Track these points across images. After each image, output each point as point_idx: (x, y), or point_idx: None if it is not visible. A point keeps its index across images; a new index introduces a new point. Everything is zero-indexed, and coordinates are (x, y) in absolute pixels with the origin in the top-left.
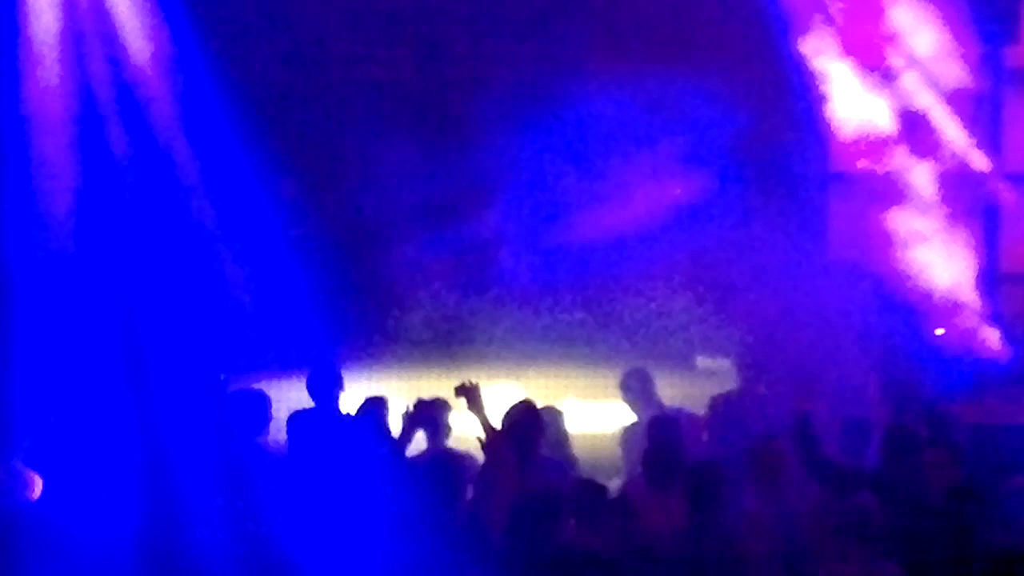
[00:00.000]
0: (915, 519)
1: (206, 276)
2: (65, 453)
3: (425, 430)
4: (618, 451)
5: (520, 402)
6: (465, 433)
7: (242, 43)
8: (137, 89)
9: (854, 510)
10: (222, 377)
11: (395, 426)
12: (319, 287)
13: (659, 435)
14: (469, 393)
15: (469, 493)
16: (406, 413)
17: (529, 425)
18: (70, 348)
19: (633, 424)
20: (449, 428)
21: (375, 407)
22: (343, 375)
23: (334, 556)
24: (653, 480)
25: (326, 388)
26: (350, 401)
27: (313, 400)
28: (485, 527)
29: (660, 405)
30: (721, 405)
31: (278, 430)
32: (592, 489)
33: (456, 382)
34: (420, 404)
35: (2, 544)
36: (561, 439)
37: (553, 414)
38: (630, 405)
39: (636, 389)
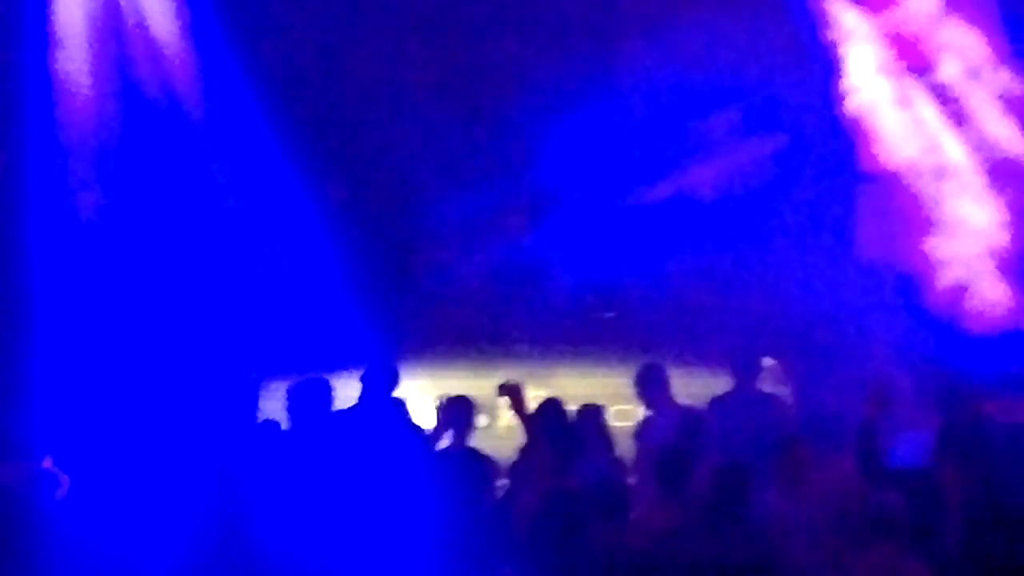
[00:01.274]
0: (948, 518)
1: (237, 273)
2: (93, 452)
3: (452, 428)
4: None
5: (547, 400)
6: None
7: (271, 37)
8: (166, 80)
9: (880, 508)
10: (252, 375)
11: (422, 422)
12: (350, 286)
13: (680, 433)
14: (512, 392)
15: (498, 490)
16: (438, 409)
17: (557, 422)
18: (99, 346)
19: (646, 420)
20: (474, 427)
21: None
22: (399, 374)
23: (364, 550)
24: (662, 481)
25: (380, 384)
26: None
27: (365, 394)
28: (513, 524)
29: (674, 402)
30: (727, 403)
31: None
32: (617, 489)
33: (484, 381)
34: (450, 401)
35: (30, 543)
36: (603, 435)
37: (595, 411)
38: (643, 401)
39: (649, 385)
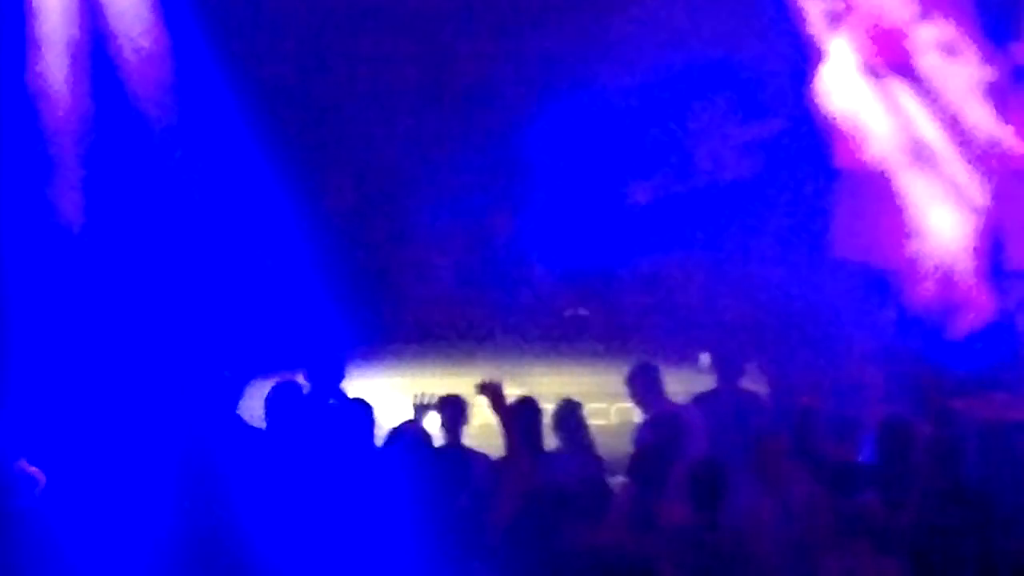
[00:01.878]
0: (914, 516)
1: (214, 273)
2: (70, 452)
3: (442, 425)
4: (623, 448)
5: (522, 398)
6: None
7: (249, 38)
8: (144, 86)
9: (857, 507)
10: (227, 374)
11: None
12: (326, 284)
13: (652, 436)
14: (492, 391)
15: (477, 489)
16: (420, 406)
17: (531, 421)
18: (75, 346)
19: (643, 421)
20: (465, 426)
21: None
22: (346, 369)
23: (337, 547)
24: (639, 480)
25: (326, 379)
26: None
27: (312, 388)
28: (488, 523)
29: (667, 401)
30: (710, 402)
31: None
32: (596, 487)
33: (460, 379)
34: (441, 399)
35: (8, 545)
36: (582, 431)
37: (572, 406)
38: (635, 401)
39: (642, 385)
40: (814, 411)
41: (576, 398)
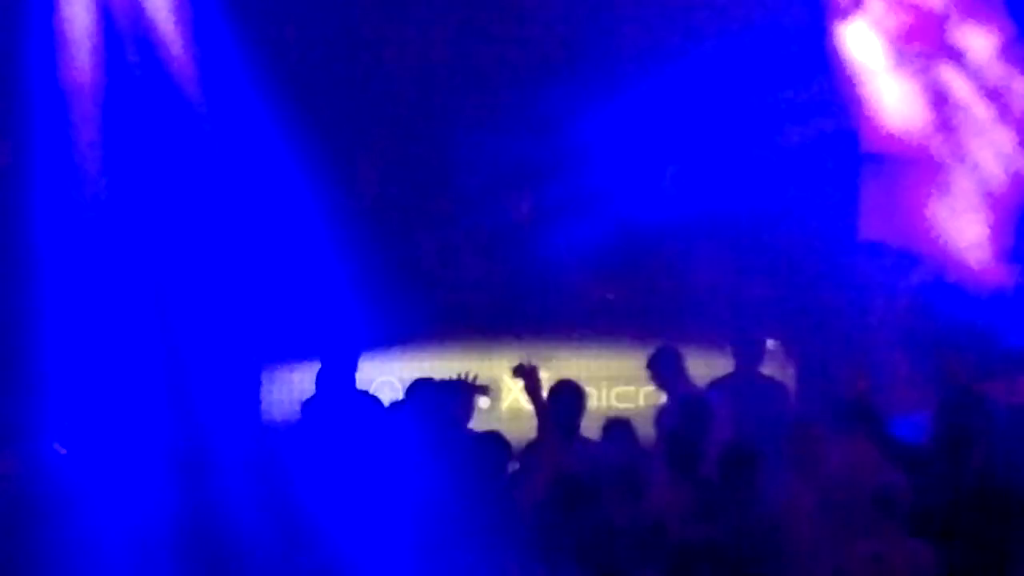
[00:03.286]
0: (940, 499)
1: (242, 260)
2: (98, 437)
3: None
4: (649, 432)
5: (562, 381)
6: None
7: (276, 22)
8: (170, 71)
9: (885, 489)
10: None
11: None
12: (353, 269)
13: (684, 418)
14: (527, 374)
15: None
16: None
17: (572, 405)
18: (104, 333)
19: (664, 404)
20: (474, 411)
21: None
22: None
23: (367, 533)
24: (672, 463)
25: (340, 374)
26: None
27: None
28: (519, 507)
29: (691, 384)
30: (728, 386)
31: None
32: (629, 471)
33: (486, 363)
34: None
35: (35, 526)
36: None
37: (623, 422)
38: (658, 384)
39: (664, 368)
40: (866, 392)
41: (603, 381)
